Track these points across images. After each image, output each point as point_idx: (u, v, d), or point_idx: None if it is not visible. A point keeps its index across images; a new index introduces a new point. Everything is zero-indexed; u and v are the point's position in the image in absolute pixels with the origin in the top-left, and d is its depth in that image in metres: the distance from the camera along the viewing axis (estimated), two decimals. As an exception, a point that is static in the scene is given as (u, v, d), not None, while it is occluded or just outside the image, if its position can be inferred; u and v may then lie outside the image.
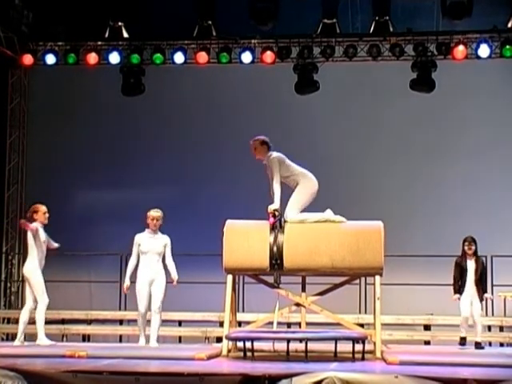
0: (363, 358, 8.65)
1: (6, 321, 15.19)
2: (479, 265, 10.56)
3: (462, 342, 10.50)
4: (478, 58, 14.27)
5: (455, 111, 15.44)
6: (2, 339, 14.02)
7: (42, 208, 10.22)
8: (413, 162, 15.52)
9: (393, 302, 12.77)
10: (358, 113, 15.69)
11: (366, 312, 14.03)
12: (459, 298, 10.56)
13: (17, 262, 16.38)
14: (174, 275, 10.10)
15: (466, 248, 10.59)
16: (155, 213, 10.22)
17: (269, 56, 14.68)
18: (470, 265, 10.54)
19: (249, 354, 8.66)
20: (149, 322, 10.32)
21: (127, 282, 10.28)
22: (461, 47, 14.18)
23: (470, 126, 15.45)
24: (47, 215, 10.24)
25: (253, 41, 14.93)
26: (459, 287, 10.57)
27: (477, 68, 14.88)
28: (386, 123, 15.64)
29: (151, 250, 10.14)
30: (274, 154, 9.53)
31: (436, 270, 14.01)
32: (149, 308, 10.21)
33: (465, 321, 10.54)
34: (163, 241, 10.21)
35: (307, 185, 9.48)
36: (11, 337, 14.48)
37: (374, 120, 15.65)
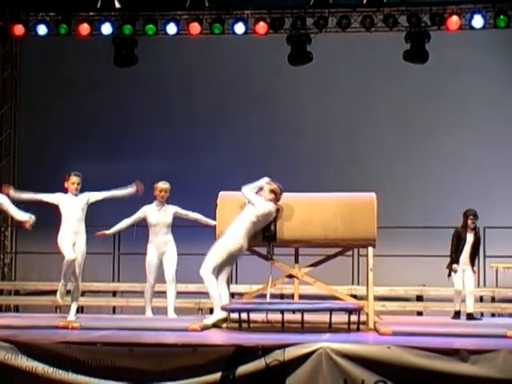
0: (358, 329, 8.69)
1: (-1, 292, 15.24)
2: (476, 238, 10.61)
3: (456, 316, 10.47)
4: (472, 28, 14.20)
5: (449, 83, 15.41)
6: (-4, 311, 14.05)
7: (71, 178, 9.74)
8: (407, 133, 15.51)
9: (386, 273, 12.83)
10: (351, 84, 15.65)
11: (358, 283, 14.10)
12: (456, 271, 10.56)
13: (10, 233, 16.38)
14: (210, 221, 10.07)
15: (469, 222, 10.55)
16: (163, 185, 10.25)
17: (262, 27, 14.59)
18: (469, 238, 10.55)
19: (244, 325, 8.69)
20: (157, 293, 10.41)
21: (111, 231, 10.34)
22: (454, 18, 14.08)
23: (464, 98, 15.43)
24: (75, 186, 9.70)
25: (246, 12, 14.83)
26: (457, 258, 10.58)
27: (470, 39, 14.84)
28: (379, 95, 15.61)
29: (160, 223, 10.19)
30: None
31: (428, 242, 14.09)
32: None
33: (458, 294, 10.54)
34: (172, 212, 10.23)
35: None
36: (4, 308, 14.52)
37: (367, 91, 15.61)
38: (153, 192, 10.33)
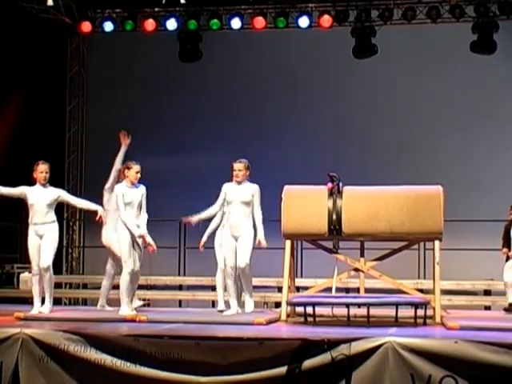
0: (425, 323, 8.61)
1: (67, 286, 15.45)
2: None
3: (510, 307, 10.38)
4: (543, 17, 13.94)
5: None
6: (65, 304, 14.27)
7: (135, 167, 9.48)
8: (474, 125, 15.31)
9: (452, 267, 12.68)
10: (416, 76, 15.49)
11: (425, 277, 13.96)
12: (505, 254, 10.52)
13: (77, 228, 16.63)
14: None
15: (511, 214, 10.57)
16: (239, 163, 9.42)
17: (326, 20, 14.55)
18: None
19: (309, 319, 8.68)
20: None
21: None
22: (525, 6, 13.85)
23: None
24: (139, 175, 9.43)
25: (310, 5, 14.81)
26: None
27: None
28: (446, 86, 15.43)
29: (236, 200, 9.24)
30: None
31: (496, 235, 13.84)
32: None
33: (507, 286, 10.45)
34: (250, 190, 9.34)
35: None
36: (73, 301, 14.75)
37: (434, 83, 15.45)
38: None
